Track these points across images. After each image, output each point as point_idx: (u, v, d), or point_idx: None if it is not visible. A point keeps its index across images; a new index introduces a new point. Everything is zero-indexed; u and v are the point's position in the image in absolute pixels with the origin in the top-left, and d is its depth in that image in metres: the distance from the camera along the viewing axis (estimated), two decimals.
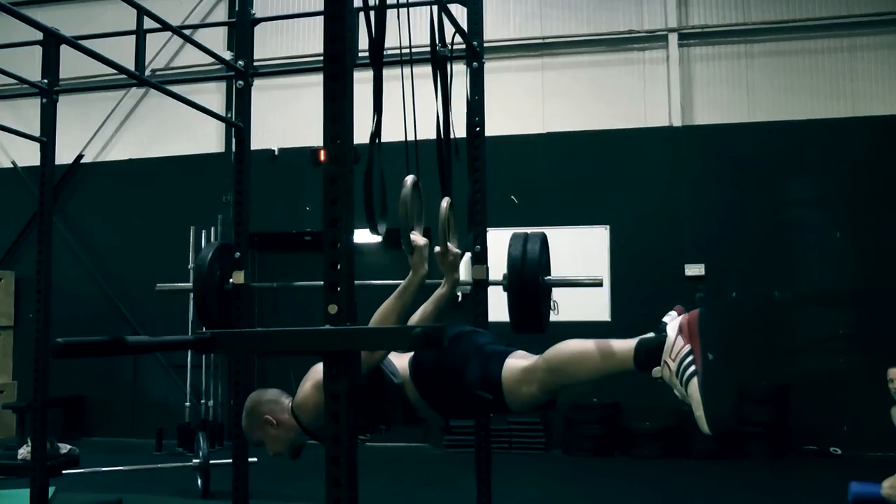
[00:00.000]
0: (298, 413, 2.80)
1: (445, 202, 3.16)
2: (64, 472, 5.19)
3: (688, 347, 2.33)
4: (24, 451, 5.47)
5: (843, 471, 6.31)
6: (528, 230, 3.60)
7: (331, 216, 2.03)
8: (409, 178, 2.87)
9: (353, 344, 1.96)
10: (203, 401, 8.50)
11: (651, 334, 2.50)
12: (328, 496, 2.00)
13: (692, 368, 2.31)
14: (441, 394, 2.80)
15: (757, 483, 6.66)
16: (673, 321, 2.46)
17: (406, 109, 2.87)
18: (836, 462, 7.03)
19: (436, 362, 2.77)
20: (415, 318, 3.01)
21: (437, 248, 3.08)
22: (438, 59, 3.34)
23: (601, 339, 2.56)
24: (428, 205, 3.02)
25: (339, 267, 2.00)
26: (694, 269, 8.07)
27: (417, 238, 2.86)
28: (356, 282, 2.05)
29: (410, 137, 2.91)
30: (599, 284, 3.79)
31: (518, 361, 2.70)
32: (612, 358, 2.49)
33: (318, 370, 2.70)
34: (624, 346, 2.50)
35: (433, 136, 3.26)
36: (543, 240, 3.53)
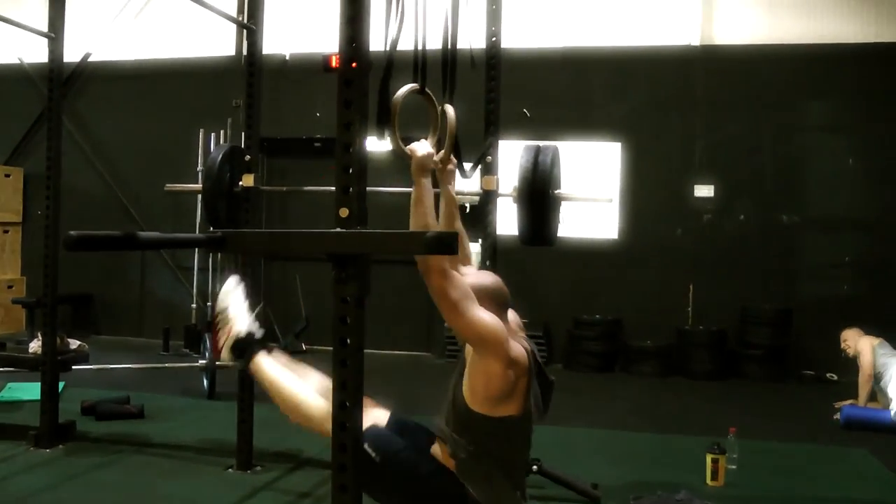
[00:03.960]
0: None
1: (450, 110, 2.90)
2: (74, 367, 5.24)
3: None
4: (35, 346, 5.53)
5: (838, 396, 6.39)
6: (540, 143, 3.57)
7: (345, 119, 2.01)
8: (409, 85, 2.67)
9: (364, 247, 1.95)
10: (209, 303, 8.57)
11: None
12: (334, 396, 2.04)
13: None
14: None
15: (752, 403, 6.75)
16: None
17: (419, 14, 2.73)
18: (832, 387, 7.10)
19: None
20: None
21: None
22: None
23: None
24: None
25: (351, 170, 2.00)
26: (703, 191, 8.03)
27: (414, 147, 2.64)
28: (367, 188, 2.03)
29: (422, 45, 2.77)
30: (610, 201, 3.78)
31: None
32: None
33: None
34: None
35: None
36: (555, 152, 3.50)
